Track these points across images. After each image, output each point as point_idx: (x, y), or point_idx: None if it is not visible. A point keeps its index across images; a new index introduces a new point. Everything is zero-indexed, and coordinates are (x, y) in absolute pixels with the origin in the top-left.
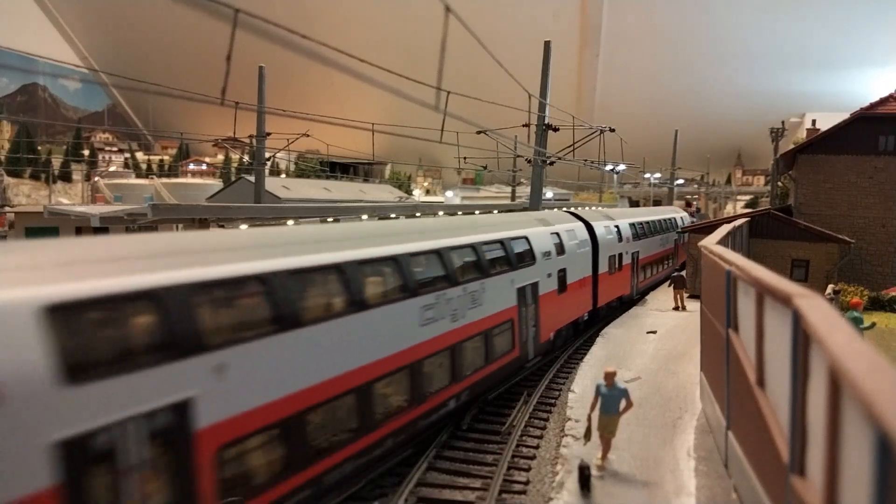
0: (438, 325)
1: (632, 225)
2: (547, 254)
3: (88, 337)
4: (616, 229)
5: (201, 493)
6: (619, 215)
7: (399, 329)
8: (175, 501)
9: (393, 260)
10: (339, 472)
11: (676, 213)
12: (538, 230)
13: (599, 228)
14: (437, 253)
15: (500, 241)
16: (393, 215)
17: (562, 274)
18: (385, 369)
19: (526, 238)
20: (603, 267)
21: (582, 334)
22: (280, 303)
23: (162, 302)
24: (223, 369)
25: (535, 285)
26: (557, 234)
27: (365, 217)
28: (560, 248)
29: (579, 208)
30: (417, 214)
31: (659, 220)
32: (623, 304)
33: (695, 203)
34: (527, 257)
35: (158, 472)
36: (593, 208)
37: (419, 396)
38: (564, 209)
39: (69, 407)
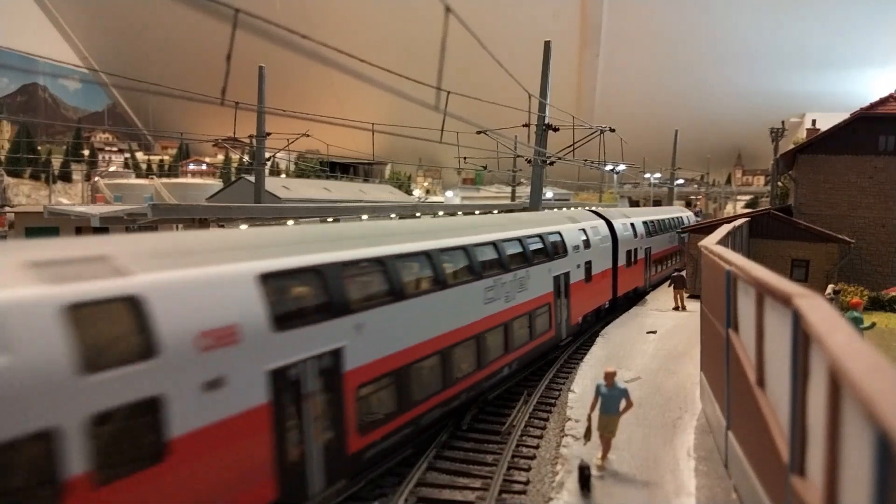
0: (496, 305)
1: (645, 223)
2: (576, 247)
3: (284, 297)
4: (632, 227)
5: (346, 419)
6: (634, 214)
7: (469, 305)
8: (332, 424)
9: (463, 249)
10: (430, 415)
11: (683, 212)
12: (568, 226)
13: (618, 225)
14: (494, 244)
15: (540, 236)
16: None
17: (588, 265)
18: (461, 337)
19: (559, 233)
20: (621, 260)
21: (603, 320)
22: (392, 279)
23: (325, 274)
24: (361, 327)
25: (567, 275)
26: (584, 230)
27: (365, 217)
28: (587, 243)
29: (599, 207)
30: (417, 214)
31: (668, 219)
32: (637, 295)
33: (697, 204)
34: (560, 250)
35: (322, 400)
36: (599, 207)
37: (483, 361)
38: (588, 208)
39: (275, 346)
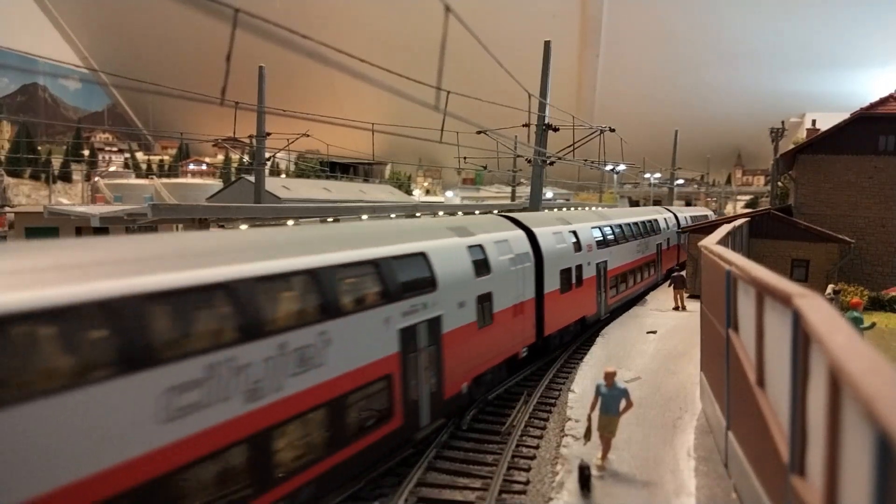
0: (639, 255)
1: (693, 217)
2: (664, 229)
3: (599, 237)
4: (685, 219)
5: (607, 291)
6: (685, 211)
7: (634, 252)
8: (604, 291)
9: (628, 225)
10: (621, 301)
11: (706, 210)
12: (658, 216)
13: (680, 217)
14: (637, 223)
15: (652, 220)
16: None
17: (668, 240)
18: (629, 268)
19: (657, 220)
20: (681, 240)
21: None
22: (616, 234)
23: (603, 229)
24: (611, 253)
25: (660, 244)
26: (665, 218)
27: (365, 217)
28: (667, 226)
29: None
30: (418, 214)
31: (699, 215)
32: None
33: (697, 204)
34: (657, 230)
35: (603, 280)
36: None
37: (637, 281)
38: (662, 206)
39: (597, 254)
